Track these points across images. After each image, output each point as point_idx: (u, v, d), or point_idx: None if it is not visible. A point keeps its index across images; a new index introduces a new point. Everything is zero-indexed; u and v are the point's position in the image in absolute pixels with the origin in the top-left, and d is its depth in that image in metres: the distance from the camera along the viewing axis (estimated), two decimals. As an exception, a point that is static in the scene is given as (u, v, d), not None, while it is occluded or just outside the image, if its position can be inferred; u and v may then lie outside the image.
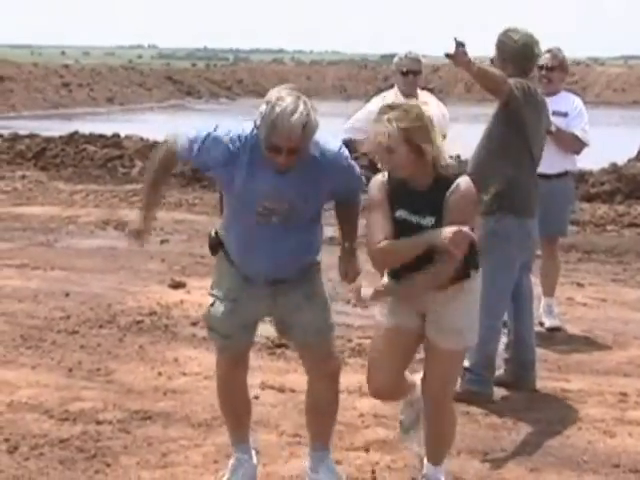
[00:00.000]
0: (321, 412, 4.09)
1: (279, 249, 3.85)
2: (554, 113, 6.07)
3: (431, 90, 7.81)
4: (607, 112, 36.73)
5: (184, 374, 5.63)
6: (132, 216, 4.14)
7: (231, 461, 4.18)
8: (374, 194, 3.88)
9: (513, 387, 5.47)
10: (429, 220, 3.77)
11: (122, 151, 16.40)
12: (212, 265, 4.16)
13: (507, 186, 5.12)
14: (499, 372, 5.48)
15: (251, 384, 5.15)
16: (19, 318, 6.76)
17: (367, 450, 4.57)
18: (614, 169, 13.62)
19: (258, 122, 3.69)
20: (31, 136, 18.09)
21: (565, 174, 6.67)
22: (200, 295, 4.10)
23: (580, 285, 8.16)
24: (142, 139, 17.55)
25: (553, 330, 6.70)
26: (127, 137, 17.71)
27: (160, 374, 5.63)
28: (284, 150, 3.66)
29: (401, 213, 3.83)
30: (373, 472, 4.33)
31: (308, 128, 3.64)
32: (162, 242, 9.70)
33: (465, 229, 3.64)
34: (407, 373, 4.16)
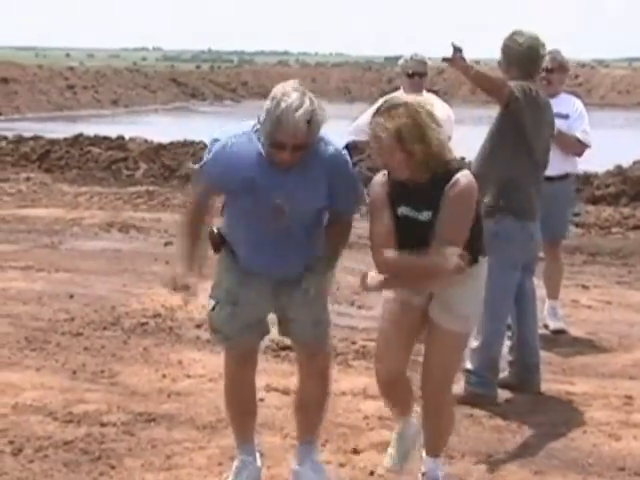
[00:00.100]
0: (310, 409, 4.10)
1: (286, 248, 3.83)
2: (555, 115, 6.06)
3: (436, 92, 7.81)
4: (612, 114, 36.73)
5: (188, 376, 5.63)
6: (171, 272, 4.06)
7: (235, 463, 4.17)
8: (375, 194, 3.87)
9: (517, 390, 5.46)
10: (426, 214, 3.76)
11: (126, 153, 16.43)
12: (215, 268, 4.14)
13: (506, 188, 5.12)
14: (503, 374, 5.47)
15: (256, 386, 5.16)
16: (23, 320, 6.76)
17: (372, 452, 4.56)
18: (619, 171, 13.61)
19: (262, 118, 3.66)
20: (35, 138, 18.13)
21: (566, 176, 6.66)
22: (204, 297, 4.09)
23: (585, 287, 8.15)
24: (146, 141, 17.58)
25: (558, 333, 6.69)
26: (131, 139, 17.74)
27: (164, 376, 5.63)
28: (288, 147, 3.64)
29: (403, 210, 3.82)
30: (378, 475, 4.32)
31: (313, 125, 3.61)
32: (166, 244, 9.69)
33: (467, 258, 3.69)
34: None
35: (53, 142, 17.38)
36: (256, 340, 4.11)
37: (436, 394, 3.99)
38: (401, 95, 6.47)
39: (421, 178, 3.76)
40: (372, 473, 4.35)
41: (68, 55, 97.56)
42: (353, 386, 5.36)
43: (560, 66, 6.60)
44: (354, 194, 3.90)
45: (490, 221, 5.06)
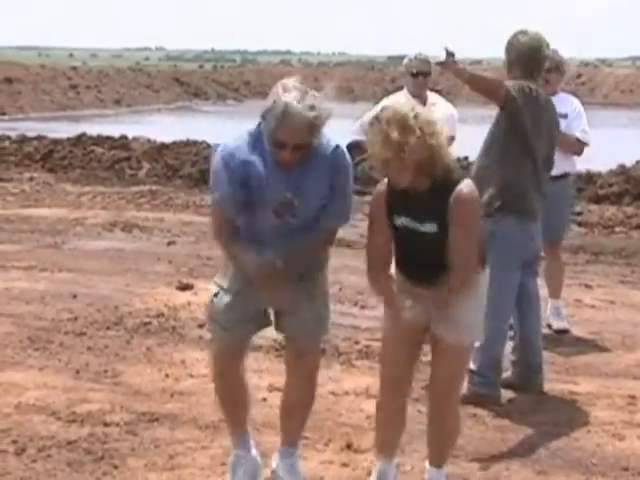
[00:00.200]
0: (296, 412, 4.11)
1: (288, 246, 3.82)
2: (554, 115, 6.06)
3: (439, 92, 7.81)
4: (615, 113, 36.71)
5: (191, 376, 5.63)
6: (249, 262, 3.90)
7: (230, 459, 4.17)
8: (374, 205, 3.86)
9: (520, 389, 5.45)
10: (429, 226, 3.73)
11: (129, 153, 16.45)
12: (219, 266, 4.14)
13: (505, 188, 5.12)
14: (506, 374, 5.47)
15: (259, 386, 5.15)
16: (27, 320, 6.76)
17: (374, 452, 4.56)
18: (622, 170, 13.60)
19: (265, 116, 3.65)
20: (39, 138, 18.15)
21: (565, 176, 6.65)
22: (207, 297, 4.08)
23: (588, 287, 8.14)
24: (149, 141, 17.59)
25: (561, 332, 6.69)
26: (134, 139, 17.75)
27: (167, 376, 5.63)
28: (289, 146, 3.64)
29: (402, 220, 3.79)
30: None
31: (315, 124, 3.61)
32: (169, 244, 9.70)
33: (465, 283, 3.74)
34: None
35: (56, 142, 17.40)
36: (248, 336, 4.08)
37: (443, 407, 3.99)
38: (405, 96, 6.50)
39: (421, 186, 3.73)
40: (375, 473, 4.34)
41: (71, 55, 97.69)
42: (356, 386, 5.35)
43: (557, 65, 6.60)
44: (345, 203, 3.87)
45: (489, 221, 5.06)
